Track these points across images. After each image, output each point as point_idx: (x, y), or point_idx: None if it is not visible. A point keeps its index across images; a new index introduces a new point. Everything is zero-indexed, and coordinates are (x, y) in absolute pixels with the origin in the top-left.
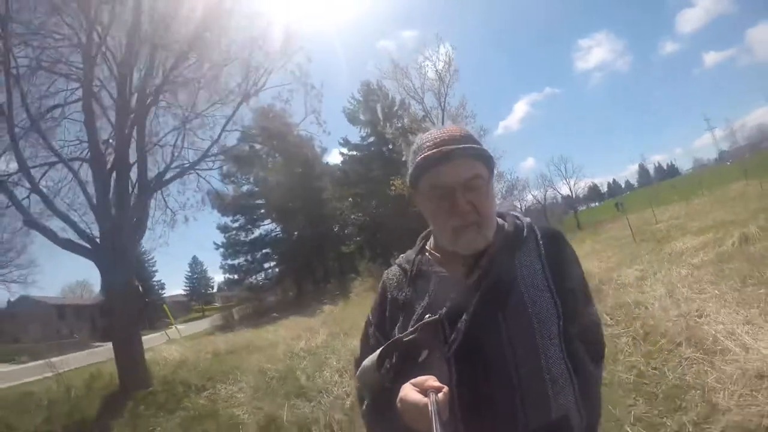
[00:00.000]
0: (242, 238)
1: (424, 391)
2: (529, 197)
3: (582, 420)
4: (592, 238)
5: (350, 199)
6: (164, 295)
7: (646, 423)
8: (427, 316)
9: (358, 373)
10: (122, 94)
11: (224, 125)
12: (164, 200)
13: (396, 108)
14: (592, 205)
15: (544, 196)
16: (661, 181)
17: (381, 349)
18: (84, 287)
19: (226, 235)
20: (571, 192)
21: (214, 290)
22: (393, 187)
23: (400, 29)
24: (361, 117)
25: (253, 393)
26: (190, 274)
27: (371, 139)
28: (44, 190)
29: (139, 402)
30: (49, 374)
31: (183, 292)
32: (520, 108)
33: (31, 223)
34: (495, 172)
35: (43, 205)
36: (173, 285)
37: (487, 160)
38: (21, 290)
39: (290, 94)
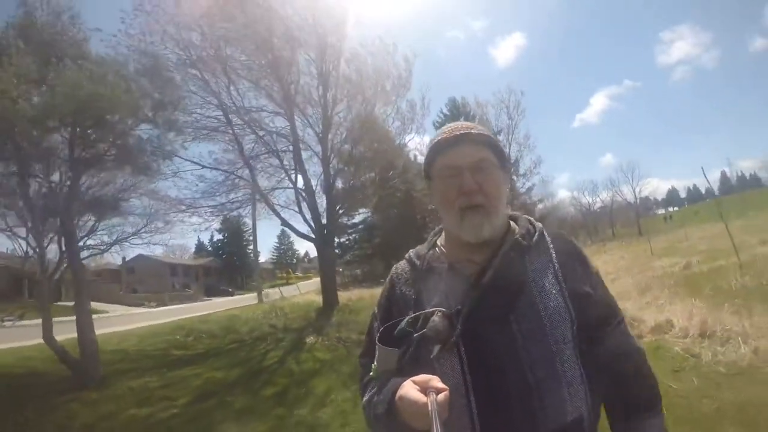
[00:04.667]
0: (343, 222)
1: (425, 390)
2: (598, 200)
3: (591, 422)
4: (633, 246)
5: None
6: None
7: None
8: (439, 311)
9: (374, 367)
10: (324, 148)
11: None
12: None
13: (477, 122)
14: (671, 209)
15: (612, 200)
16: (742, 191)
17: (401, 349)
18: (183, 249)
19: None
20: (636, 198)
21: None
22: None
23: (470, 19)
24: None
25: None
26: (278, 244)
27: None
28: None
29: (339, 311)
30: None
31: (270, 260)
32: (599, 101)
33: (285, 224)
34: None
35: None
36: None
37: (494, 148)
38: (156, 250)
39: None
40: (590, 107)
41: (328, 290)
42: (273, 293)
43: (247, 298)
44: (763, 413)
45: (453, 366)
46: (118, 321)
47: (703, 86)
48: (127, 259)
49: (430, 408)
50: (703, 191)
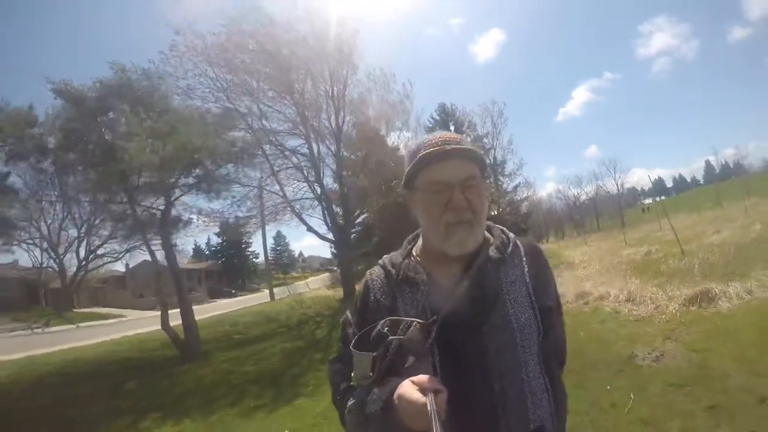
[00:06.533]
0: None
1: (423, 390)
2: (583, 193)
3: (554, 430)
4: (613, 238)
5: None
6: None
7: None
8: (417, 322)
9: (353, 375)
10: (338, 166)
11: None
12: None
13: (465, 127)
14: (658, 199)
15: (596, 193)
16: (726, 179)
17: (374, 353)
18: (182, 253)
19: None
20: (619, 190)
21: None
22: None
23: (448, 17)
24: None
25: None
26: (274, 245)
27: None
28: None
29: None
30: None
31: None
32: (581, 94)
33: (311, 229)
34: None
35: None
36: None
37: (481, 164)
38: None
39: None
40: (572, 100)
41: (348, 282)
42: (280, 292)
43: (253, 298)
44: (642, 338)
45: (426, 373)
46: (144, 323)
47: (684, 77)
48: (131, 266)
49: (429, 408)
50: (689, 180)
